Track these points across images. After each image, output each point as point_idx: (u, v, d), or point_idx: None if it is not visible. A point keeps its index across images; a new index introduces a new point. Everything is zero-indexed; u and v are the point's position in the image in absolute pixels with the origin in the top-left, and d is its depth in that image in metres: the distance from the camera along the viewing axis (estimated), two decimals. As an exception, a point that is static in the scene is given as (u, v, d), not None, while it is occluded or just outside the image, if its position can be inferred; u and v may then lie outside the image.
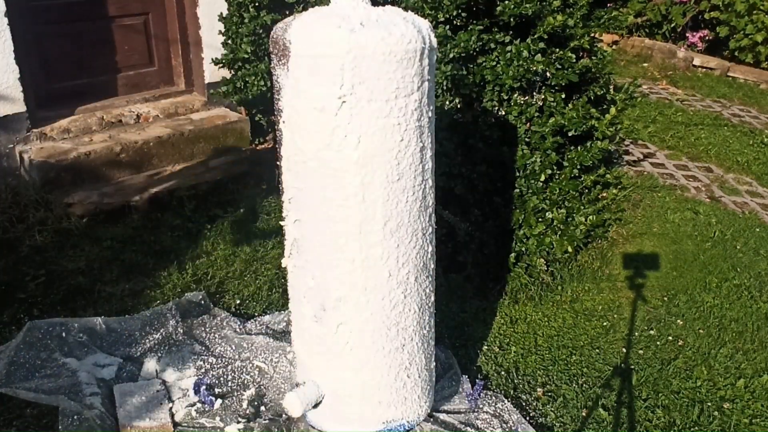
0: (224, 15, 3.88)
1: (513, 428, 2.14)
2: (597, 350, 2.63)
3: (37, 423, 2.09)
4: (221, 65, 3.97)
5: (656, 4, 7.16)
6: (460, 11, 2.84)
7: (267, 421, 2.11)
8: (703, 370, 2.54)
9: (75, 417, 2.00)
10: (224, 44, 3.93)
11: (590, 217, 3.04)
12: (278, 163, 1.82)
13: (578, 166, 2.97)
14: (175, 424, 2.10)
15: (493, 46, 2.88)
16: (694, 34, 7.05)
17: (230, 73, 4.01)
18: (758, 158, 4.65)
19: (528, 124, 2.92)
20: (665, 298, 2.99)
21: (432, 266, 1.93)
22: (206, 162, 3.89)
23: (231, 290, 2.85)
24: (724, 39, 6.75)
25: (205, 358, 2.38)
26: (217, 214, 3.44)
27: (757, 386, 2.47)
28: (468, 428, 2.11)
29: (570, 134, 2.92)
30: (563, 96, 2.93)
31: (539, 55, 2.80)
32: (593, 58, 3.03)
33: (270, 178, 3.80)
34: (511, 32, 2.88)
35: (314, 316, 1.87)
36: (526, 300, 2.90)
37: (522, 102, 2.90)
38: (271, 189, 3.69)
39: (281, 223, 1.91)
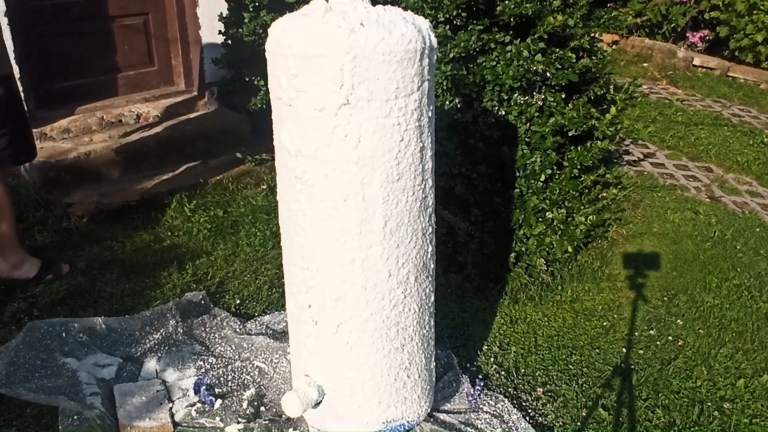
0: (224, 15, 3.88)
1: (513, 428, 2.14)
2: (597, 350, 2.63)
3: (37, 423, 2.09)
4: (221, 65, 3.97)
5: (656, 4, 7.16)
6: (460, 11, 2.83)
7: (267, 422, 2.11)
8: (703, 370, 2.54)
9: (75, 417, 2.00)
10: (224, 44, 3.93)
11: (590, 217, 3.04)
12: (276, 162, 1.82)
13: (578, 166, 2.97)
14: (175, 424, 2.10)
15: (493, 46, 2.88)
16: (694, 34, 7.05)
17: (230, 73, 4.01)
18: (758, 158, 4.65)
19: (528, 124, 2.92)
20: (665, 298, 2.99)
21: (432, 266, 1.93)
22: (206, 162, 3.89)
23: (231, 290, 2.85)
24: (724, 39, 6.75)
25: (205, 358, 2.38)
26: (217, 214, 3.44)
27: (757, 386, 2.47)
28: (468, 428, 2.11)
29: (570, 134, 2.93)
30: (563, 96, 2.93)
31: (539, 55, 2.80)
32: (593, 58, 3.03)
33: (270, 178, 3.80)
34: (511, 32, 2.88)
35: (313, 315, 1.87)
36: (526, 300, 2.90)
37: (522, 102, 2.90)
38: (271, 189, 3.70)
39: (279, 222, 1.91)
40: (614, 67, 4.93)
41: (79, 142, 3.70)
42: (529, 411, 2.29)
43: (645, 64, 6.86)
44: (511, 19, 2.82)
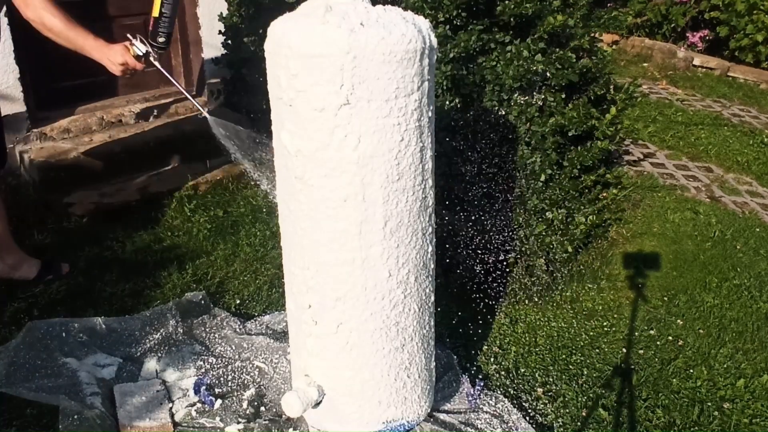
0: (224, 15, 3.88)
1: (513, 428, 2.14)
2: (597, 350, 2.63)
3: (37, 423, 2.09)
4: (221, 65, 3.97)
5: (656, 4, 7.16)
6: (460, 11, 2.83)
7: (267, 422, 2.11)
8: (703, 370, 2.54)
9: (75, 417, 2.00)
10: (224, 44, 3.93)
11: (590, 217, 3.04)
12: (276, 162, 1.82)
13: (578, 166, 2.97)
14: (175, 424, 2.10)
15: (493, 46, 2.88)
16: (694, 34, 7.05)
17: (230, 73, 4.01)
18: (758, 158, 4.65)
19: (528, 124, 2.92)
20: (665, 298, 2.99)
21: (432, 266, 1.93)
22: (206, 162, 3.89)
23: (231, 290, 2.85)
24: (724, 39, 6.76)
25: (205, 358, 2.38)
26: (217, 214, 3.44)
27: (757, 386, 2.47)
28: (468, 428, 2.11)
29: (570, 134, 2.93)
30: (563, 96, 2.93)
31: (539, 55, 2.80)
32: (593, 58, 3.03)
33: (270, 178, 3.80)
34: (511, 32, 2.88)
35: (313, 315, 1.87)
36: (526, 300, 2.90)
37: (522, 102, 2.90)
38: (271, 189, 3.69)
39: (279, 222, 1.91)
40: (614, 67, 4.92)
41: (79, 142, 3.70)
42: (529, 411, 2.29)
43: (645, 64, 6.86)
44: (511, 19, 2.82)
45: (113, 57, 2.45)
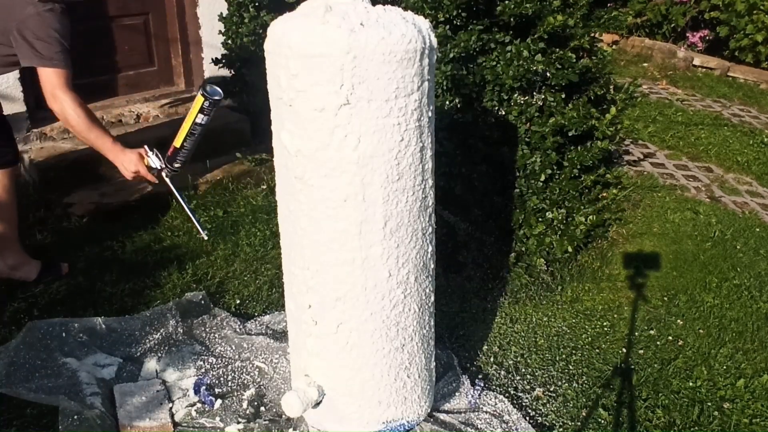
0: (224, 15, 3.89)
1: (513, 428, 2.14)
2: (597, 350, 2.63)
3: (37, 423, 2.09)
4: (221, 65, 3.97)
5: (656, 4, 7.16)
6: (460, 11, 2.84)
7: (267, 422, 2.11)
8: (703, 370, 2.54)
9: (75, 417, 2.00)
10: (224, 44, 3.93)
11: (590, 217, 3.04)
12: (276, 162, 1.82)
13: (578, 166, 2.97)
14: (175, 424, 2.10)
15: (493, 46, 2.88)
16: (694, 34, 7.05)
17: (230, 73, 4.01)
18: (758, 158, 4.65)
19: (528, 124, 2.92)
20: (665, 298, 2.99)
21: (432, 266, 1.93)
22: (206, 162, 3.89)
23: (231, 290, 2.85)
24: (724, 39, 6.76)
25: (205, 358, 2.38)
26: (217, 214, 3.44)
27: (757, 386, 2.47)
28: (468, 428, 2.11)
29: (570, 134, 2.93)
30: (563, 96, 2.93)
31: (539, 55, 2.81)
32: (593, 58, 3.03)
33: (270, 178, 3.80)
34: (511, 32, 2.88)
35: (313, 315, 1.87)
36: (526, 300, 2.90)
37: (522, 102, 2.90)
38: (271, 189, 3.70)
39: (279, 222, 1.91)
40: (614, 67, 4.92)
41: (79, 142, 3.69)
42: (529, 411, 2.29)
43: (645, 64, 6.87)
44: (511, 19, 2.82)
45: (127, 164, 2.47)
